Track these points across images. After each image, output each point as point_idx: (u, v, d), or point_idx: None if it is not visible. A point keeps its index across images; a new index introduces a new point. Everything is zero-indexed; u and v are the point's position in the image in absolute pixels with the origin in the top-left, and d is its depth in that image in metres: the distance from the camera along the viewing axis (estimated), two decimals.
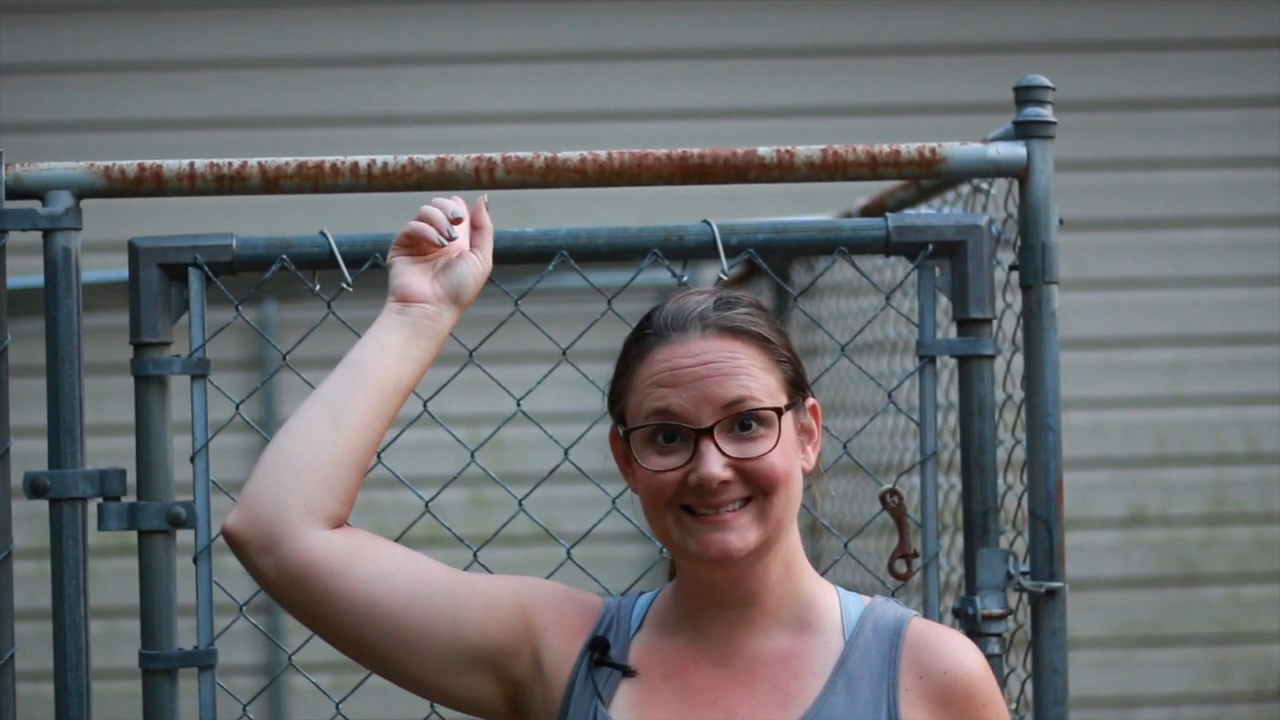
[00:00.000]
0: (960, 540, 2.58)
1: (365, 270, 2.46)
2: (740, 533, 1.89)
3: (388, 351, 2.06)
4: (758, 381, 1.92)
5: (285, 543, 1.97)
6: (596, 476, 2.47)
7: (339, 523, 2.00)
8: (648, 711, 1.92)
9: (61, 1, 5.78)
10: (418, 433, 2.83)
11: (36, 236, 2.42)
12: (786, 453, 1.93)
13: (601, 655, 1.96)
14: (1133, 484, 5.87)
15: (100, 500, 2.43)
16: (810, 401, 1.99)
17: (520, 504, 2.61)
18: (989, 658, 2.33)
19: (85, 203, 2.45)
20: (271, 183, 2.47)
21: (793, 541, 1.97)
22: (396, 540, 2.77)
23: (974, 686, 1.92)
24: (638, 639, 1.98)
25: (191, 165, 2.46)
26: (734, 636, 1.95)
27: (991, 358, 2.52)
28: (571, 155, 2.49)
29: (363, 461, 2.02)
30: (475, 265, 2.11)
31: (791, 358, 1.97)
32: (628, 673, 1.95)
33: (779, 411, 1.91)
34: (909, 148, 2.52)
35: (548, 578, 2.87)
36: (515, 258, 2.49)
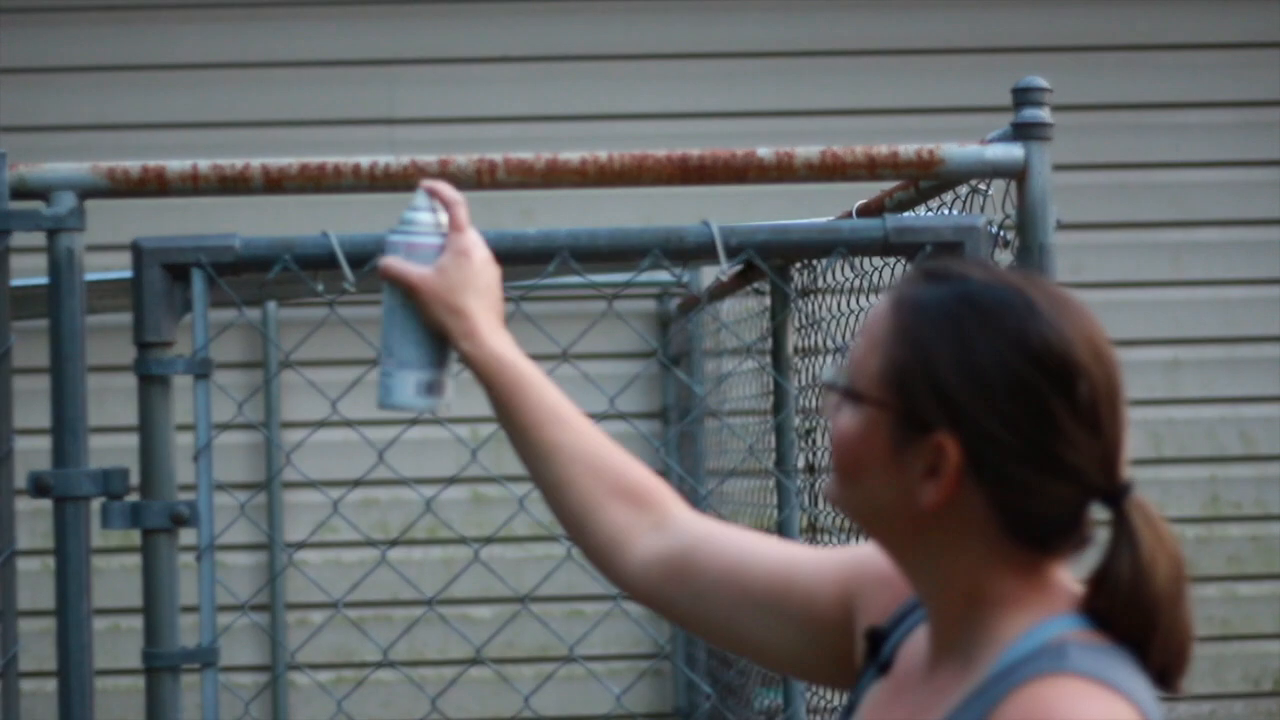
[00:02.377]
0: None
1: (367, 270, 2.48)
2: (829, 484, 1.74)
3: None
4: (873, 359, 1.67)
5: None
6: None
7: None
8: (869, 715, 1.79)
9: (66, 3, 5.79)
10: (418, 432, 2.84)
11: (41, 236, 2.44)
12: (853, 440, 1.67)
13: (871, 648, 1.82)
14: None
15: (104, 499, 2.43)
16: (936, 437, 1.61)
17: (521, 503, 2.63)
18: None
19: (89, 203, 2.46)
20: (274, 183, 2.48)
21: (963, 576, 1.65)
22: (396, 540, 2.79)
23: None
24: (918, 631, 1.78)
25: (195, 166, 2.47)
26: (931, 653, 1.72)
27: None
28: (572, 156, 2.50)
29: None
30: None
31: (923, 373, 1.64)
32: (883, 669, 1.80)
33: (856, 396, 1.67)
34: (907, 149, 2.53)
35: (547, 577, 2.88)
36: (517, 258, 2.50)
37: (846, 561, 1.91)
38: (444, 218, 2.17)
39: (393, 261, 2.16)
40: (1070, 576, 1.66)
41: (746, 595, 1.93)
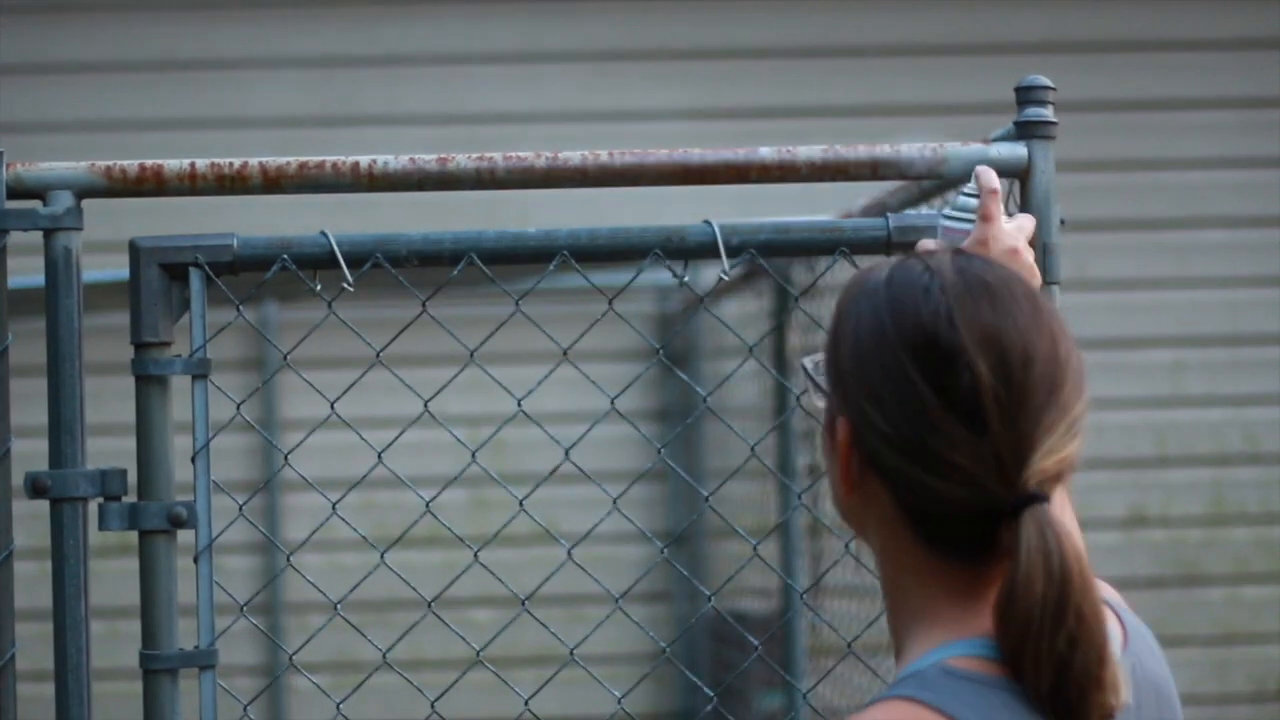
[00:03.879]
0: None
1: (366, 270, 2.46)
2: None
3: None
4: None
5: None
6: (597, 477, 2.47)
7: None
8: None
9: (63, 1, 5.78)
10: (418, 433, 2.83)
11: (37, 236, 2.42)
12: (824, 434, 1.62)
13: None
14: (1133, 484, 5.87)
15: (101, 500, 2.42)
16: (839, 417, 1.57)
17: (521, 504, 2.61)
18: None
19: (86, 202, 2.44)
20: (272, 183, 2.46)
21: (887, 573, 1.60)
22: (396, 541, 2.78)
23: None
24: None
25: (193, 165, 2.46)
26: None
27: None
28: (573, 155, 2.49)
29: None
30: None
31: (834, 353, 1.58)
32: None
33: (817, 386, 1.63)
34: (910, 148, 2.52)
35: (548, 579, 2.88)
36: (516, 258, 2.49)
37: None
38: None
39: (925, 241, 2.16)
40: None
41: None
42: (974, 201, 2.16)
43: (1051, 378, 1.50)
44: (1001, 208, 2.15)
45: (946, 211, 2.19)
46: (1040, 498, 1.47)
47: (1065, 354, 1.51)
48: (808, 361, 1.65)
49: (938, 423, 1.48)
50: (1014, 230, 2.16)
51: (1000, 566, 1.50)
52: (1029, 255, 2.13)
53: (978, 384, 1.47)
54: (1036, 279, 2.11)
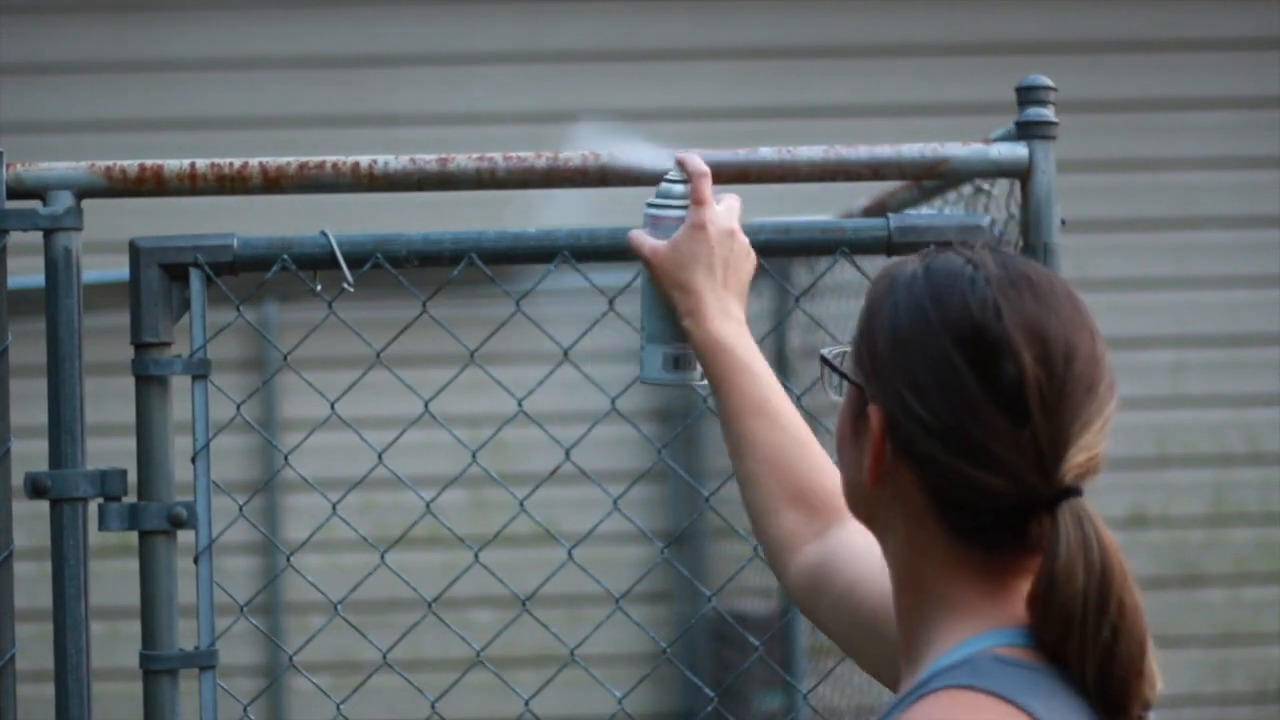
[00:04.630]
0: None
1: (366, 270, 2.46)
2: None
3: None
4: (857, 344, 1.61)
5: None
6: (598, 477, 2.47)
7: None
8: None
9: (63, 1, 5.78)
10: (418, 433, 2.82)
11: (37, 236, 2.42)
12: (838, 421, 1.62)
13: None
14: (1134, 485, 5.87)
15: (101, 500, 2.42)
16: (870, 406, 1.57)
17: (522, 505, 2.61)
18: None
19: (86, 202, 2.44)
20: (273, 183, 2.46)
21: (908, 567, 1.58)
22: (396, 542, 2.77)
23: None
24: None
25: (193, 165, 2.46)
26: (902, 656, 1.64)
27: None
28: (573, 155, 2.49)
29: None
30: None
31: (868, 341, 1.58)
32: None
33: (842, 375, 1.63)
34: (911, 148, 2.52)
35: (549, 579, 2.87)
36: (517, 257, 2.49)
37: None
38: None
39: (636, 234, 2.14)
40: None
41: (858, 615, 1.84)
42: (680, 188, 2.12)
43: (1090, 374, 1.52)
44: (711, 190, 2.12)
45: (652, 200, 2.15)
46: (1077, 491, 1.49)
47: (1102, 352, 1.54)
48: (828, 352, 1.65)
49: (980, 412, 1.48)
50: (725, 212, 2.14)
51: (1026, 558, 1.51)
52: (743, 236, 2.12)
53: (1022, 376, 1.48)
54: (753, 259, 2.12)
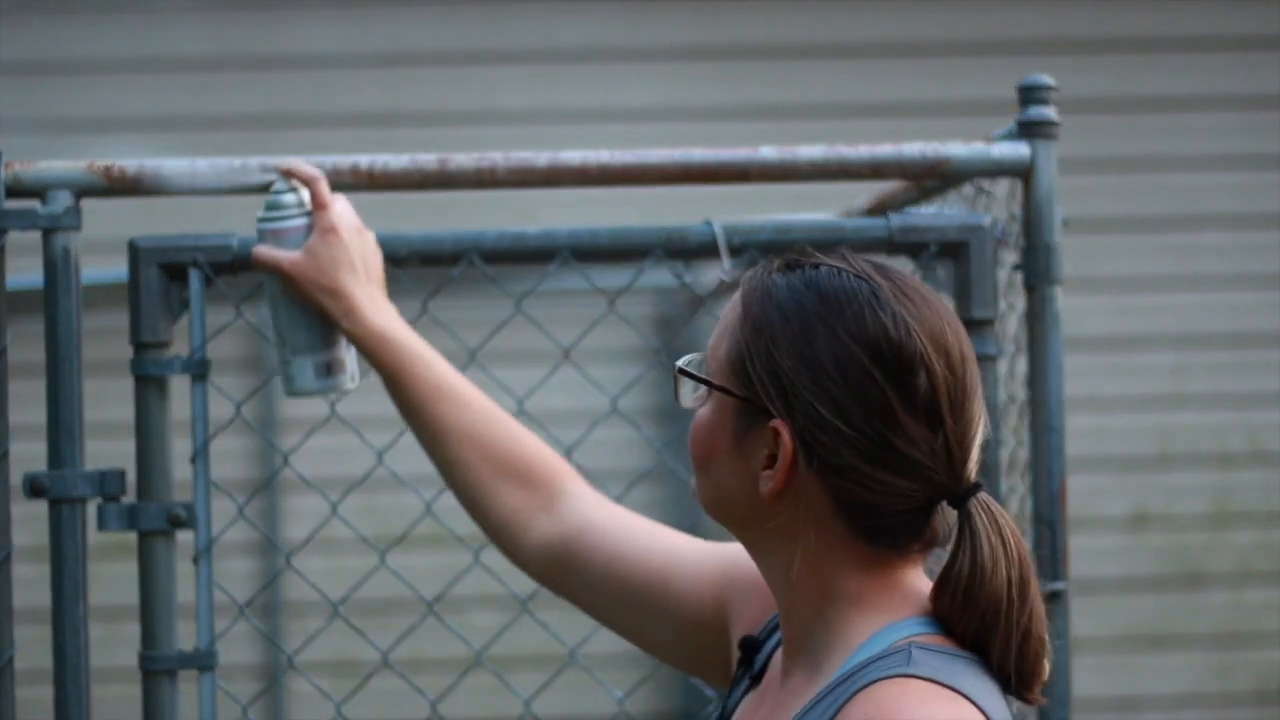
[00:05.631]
0: None
1: None
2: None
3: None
4: (722, 346, 1.64)
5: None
6: (598, 477, 2.46)
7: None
8: None
9: (63, 2, 5.77)
10: None
11: (36, 236, 2.42)
12: (703, 429, 1.65)
13: (745, 657, 1.78)
14: (1135, 485, 5.86)
15: (100, 501, 2.42)
16: (774, 424, 1.59)
17: None
18: None
19: (85, 202, 2.44)
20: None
21: (807, 568, 1.62)
22: (397, 542, 2.77)
23: None
24: None
25: (192, 165, 2.45)
26: (785, 655, 1.69)
27: (994, 359, 2.51)
28: (574, 156, 2.48)
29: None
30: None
31: (762, 359, 1.61)
32: (755, 680, 1.75)
33: (704, 383, 1.66)
34: (912, 148, 2.51)
35: None
36: (517, 257, 2.48)
37: (721, 564, 1.89)
38: (307, 196, 2.14)
39: (262, 250, 2.15)
40: (923, 579, 1.63)
41: (624, 589, 1.93)
42: (291, 196, 2.14)
43: (975, 373, 1.60)
44: (329, 191, 2.15)
45: (263, 214, 2.17)
46: (981, 486, 1.58)
47: (971, 348, 1.62)
48: (684, 362, 1.69)
49: (901, 423, 1.56)
50: (346, 210, 2.17)
51: (919, 549, 1.61)
52: (369, 230, 2.16)
53: (934, 384, 1.56)
54: (379, 252, 2.16)
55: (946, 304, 1.64)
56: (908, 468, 1.56)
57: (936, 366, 1.56)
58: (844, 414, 1.56)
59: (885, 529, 1.60)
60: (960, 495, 1.58)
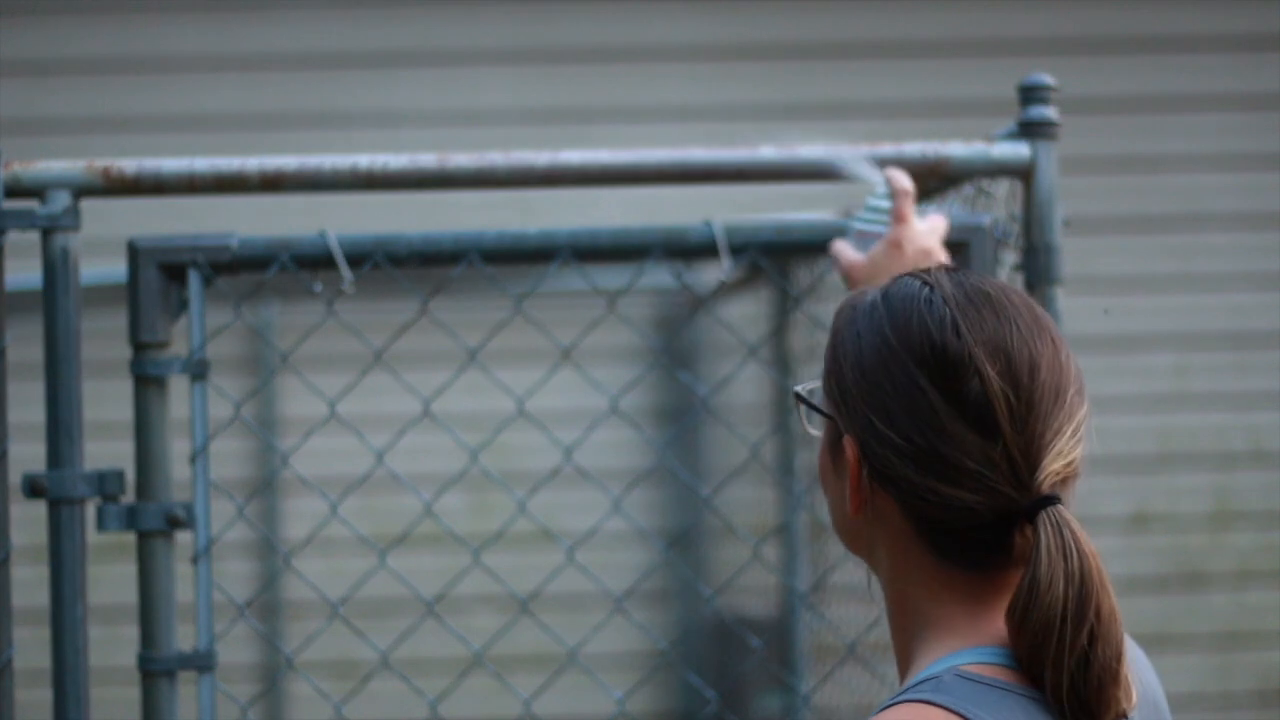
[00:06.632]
0: None
1: (366, 270, 2.45)
2: None
3: None
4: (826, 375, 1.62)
5: None
6: (598, 477, 2.46)
7: None
8: None
9: (63, 2, 5.77)
10: (419, 433, 2.82)
11: (35, 236, 2.41)
12: (817, 456, 1.64)
13: None
14: (1136, 486, 5.86)
15: (99, 501, 2.41)
16: (845, 436, 1.58)
17: (522, 505, 2.60)
18: None
19: (85, 202, 2.43)
20: (271, 183, 2.46)
21: (895, 591, 1.59)
22: (397, 542, 2.76)
23: None
24: None
25: (192, 165, 2.45)
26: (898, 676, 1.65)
27: None
28: (574, 156, 2.48)
29: None
30: None
31: (836, 373, 1.59)
32: None
33: (817, 410, 1.63)
34: (912, 148, 2.51)
35: (549, 580, 2.86)
36: (516, 258, 2.48)
37: None
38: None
39: (838, 244, 2.22)
40: None
41: None
42: (886, 204, 2.18)
43: (1057, 383, 1.53)
44: (914, 208, 2.18)
45: (858, 214, 2.23)
46: (1054, 499, 1.49)
47: (1067, 359, 1.54)
48: (802, 388, 1.66)
49: (949, 430, 1.50)
50: (928, 231, 2.18)
51: (1011, 572, 1.52)
52: (943, 255, 2.16)
53: (986, 389, 1.50)
54: None
55: (1044, 318, 1.56)
56: (962, 479, 1.50)
57: (989, 372, 1.50)
58: (892, 421, 1.52)
59: (960, 547, 1.53)
60: (1029, 509, 1.49)
